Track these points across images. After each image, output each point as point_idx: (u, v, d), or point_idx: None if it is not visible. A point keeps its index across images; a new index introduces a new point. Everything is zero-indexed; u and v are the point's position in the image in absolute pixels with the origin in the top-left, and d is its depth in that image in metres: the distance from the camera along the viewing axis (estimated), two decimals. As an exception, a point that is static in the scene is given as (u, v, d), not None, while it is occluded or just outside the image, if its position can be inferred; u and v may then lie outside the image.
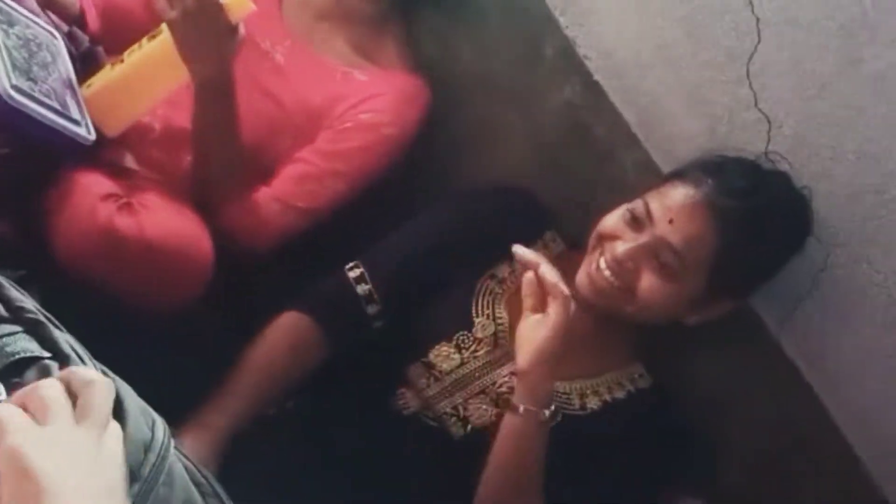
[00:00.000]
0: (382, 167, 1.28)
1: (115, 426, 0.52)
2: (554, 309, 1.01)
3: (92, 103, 1.12)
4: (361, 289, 1.20)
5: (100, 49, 1.23)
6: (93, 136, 1.09)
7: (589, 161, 1.30)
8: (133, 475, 0.52)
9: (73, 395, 0.50)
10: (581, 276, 1.13)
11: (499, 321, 1.17)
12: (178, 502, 0.54)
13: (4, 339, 0.57)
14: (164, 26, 1.12)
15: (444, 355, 1.17)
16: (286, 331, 1.17)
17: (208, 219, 1.19)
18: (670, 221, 1.07)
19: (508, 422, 1.05)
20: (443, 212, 1.26)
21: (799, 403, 1.23)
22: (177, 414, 0.93)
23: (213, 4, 1.09)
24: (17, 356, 0.55)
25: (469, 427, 1.16)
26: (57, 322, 0.61)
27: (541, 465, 1.06)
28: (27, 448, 0.45)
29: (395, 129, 1.27)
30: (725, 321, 1.16)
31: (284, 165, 1.26)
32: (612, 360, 1.20)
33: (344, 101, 1.27)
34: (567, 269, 1.16)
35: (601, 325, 1.17)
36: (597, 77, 1.26)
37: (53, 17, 1.19)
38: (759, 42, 1.13)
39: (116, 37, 1.22)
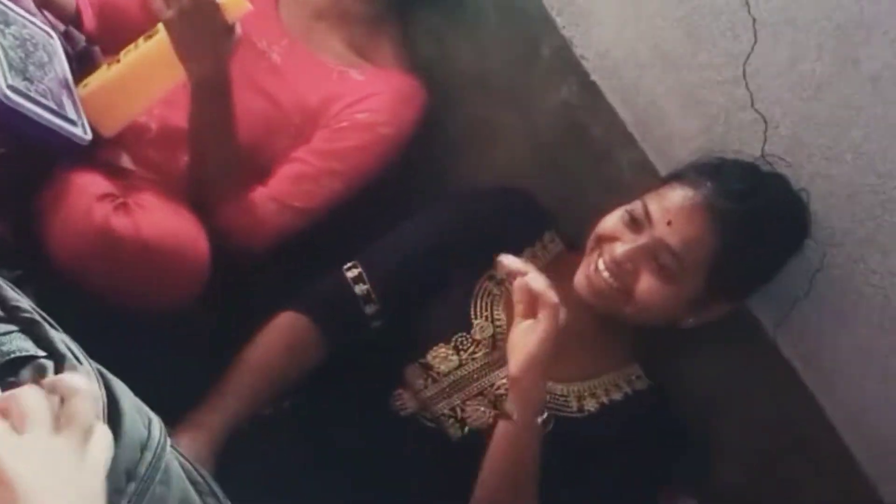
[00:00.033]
0: (379, 167, 1.28)
1: (102, 434, 0.51)
2: (543, 316, 1.00)
3: (88, 103, 1.12)
4: (359, 289, 1.19)
5: (96, 49, 1.23)
6: (89, 136, 1.09)
7: (585, 161, 1.30)
8: (130, 474, 0.52)
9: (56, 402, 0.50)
10: (579, 278, 1.13)
11: (497, 323, 1.17)
12: (175, 501, 0.54)
13: (0, 339, 0.57)
14: (160, 26, 1.12)
15: (442, 357, 1.17)
16: (284, 330, 1.17)
17: (205, 219, 1.18)
18: (669, 223, 1.07)
19: (501, 429, 1.05)
20: (442, 212, 1.26)
21: (795, 404, 1.23)
22: (173, 414, 0.93)
23: (210, 4, 1.09)
24: (12, 355, 0.55)
25: (467, 429, 1.16)
26: (52, 321, 0.61)
27: (535, 471, 1.06)
28: (3, 455, 0.45)
29: (392, 129, 1.27)
30: (722, 321, 1.16)
31: (281, 165, 1.26)
32: (610, 362, 1.20)
33: (340, 101, 1.27)
34: (565, 271, 1.16)
35: (599, 327, 1.17)
36: (593, 77, 1.26)
37: (50, 16, 1.18)
38: (755, 42, 1.13)
39: (113, 36, 1.22)
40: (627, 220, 1.10)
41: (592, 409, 1.16)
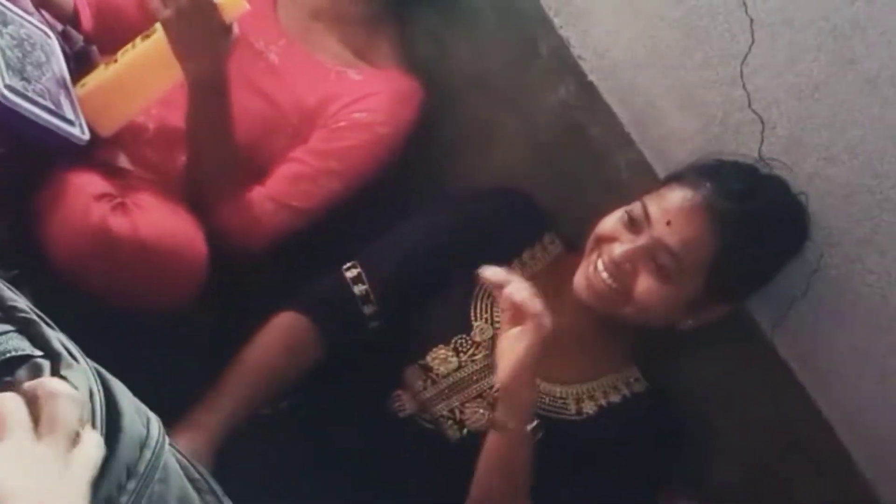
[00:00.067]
0: (376, 166, 1.28)
1: (88, 441, 0.50)
2: (529, 325, 1.01)
3: (86, 103, 1.12)
4: (358, 289, 1.19)
5: (94, 48, 1.22)
6: (87, 136, 1.09)
7: (583, 161, 1.30)
8: (129, 472, 0.52)
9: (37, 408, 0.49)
10: (578, 279, 1.13)
11: (497, 325, 1.17)
12: (174, 498, 0.54)
13: (-3, 339, 0.56)
14: (158, 25, 1.12)
15: (441, 358, 1.17)
16: (282, 330, 1.17)
17: (203, 219, 1.18)
18: (668, 223, 1.07)
19: (491, 437, 1.05)
20: (441, 213, 1.26)
21: (793, 404, 1.23)
22: (172, 414, 0.92)
23: (208, 3, 1.09)
24: (8, 354, 0.55)
25: (465, 430, 1.16)
26: (49, 321, 0.61)
27: (526, 478, 1.06)
28: None
29: (389, 129, 1.27)
30: (719, 322, 1.16)
31: (278, 165, 1.25)
32: (609, 364, 1.20)
33: (338, 101, 1.27)
34: (565, 272, 1.16)
35: (598, 329, 1.17)
36: (591, 77, 1.26)
37: (47, 16, 1.18)
38: (752, 43, 1.13)
39: (110, 36, 1.22)
40: (626, 220, 1.10)
41: (591, 412, 1.16)
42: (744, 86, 1.15)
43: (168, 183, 1.22)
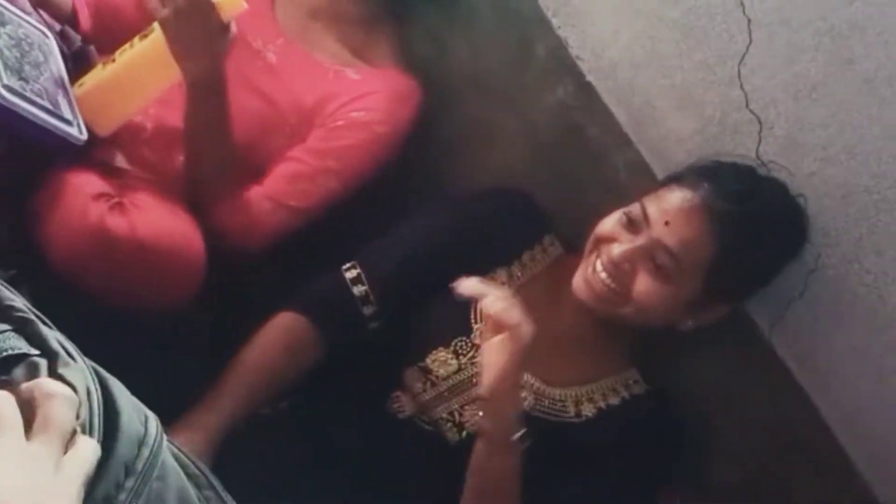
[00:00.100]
0: (375, 166, 1.28)
1: (83, 442, 0.50)
2: (509, 336, 1.00)
3: (84, 103, 1.11)
4: (358, 290, 1.19)
5: (92, 48, 1.22)
6: (84, 136, 1.09)
7: (581, 161, 1.30)
8: (128, 470, 0.52)
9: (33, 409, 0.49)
10: (577, 281, 1.13)
11: None
12: (172, 495, 0.54)
13: (-6, 339, 0.56)
14: (155, 25, 1.12)
15: (441, 360, 1.17)
16: (281, 331, 1.17)
17: (201, 218, 1.18)
18: (666, 224, 1.07)
19: (478, 446, 1.05)
20: (441, 213, 1.26)
21: (790, 404, 1.23)
22: (171, 414, 0.93)
23: (206, 3, 1.09)
24: (4, 353, 0.55)
25: (464, 433, 1.15)
26: (46, 320, 0.61)
27: (515, 484, 1.06)
28: None
29: (388, 128, 1.27)
30: (717, 322, 1.16)
31: (277, 164, 1.25)
32: (608, 366, 1.20)
33: (336, 100, 1.27)
34: (565, 274, 1.16)
35: (597, 331, 1.17)
36: (589, 78, 1.26)
37: (45, 16, 1.18)
38: (750, 43, 1.13)
39: (108, 36, 1.22)
40: (625, 221, 1.11)
41: (590, 415, 1.16)
42: (741, 86, 1.15)
43: (166, 183, 1.21)
